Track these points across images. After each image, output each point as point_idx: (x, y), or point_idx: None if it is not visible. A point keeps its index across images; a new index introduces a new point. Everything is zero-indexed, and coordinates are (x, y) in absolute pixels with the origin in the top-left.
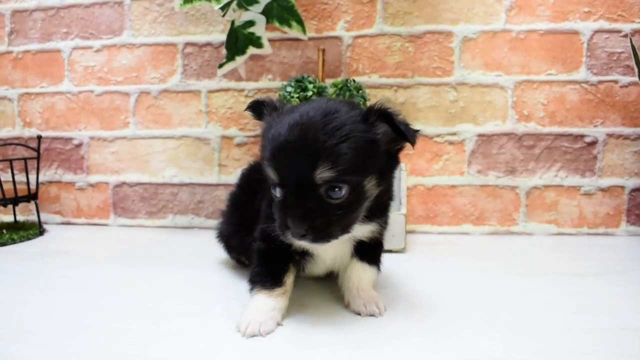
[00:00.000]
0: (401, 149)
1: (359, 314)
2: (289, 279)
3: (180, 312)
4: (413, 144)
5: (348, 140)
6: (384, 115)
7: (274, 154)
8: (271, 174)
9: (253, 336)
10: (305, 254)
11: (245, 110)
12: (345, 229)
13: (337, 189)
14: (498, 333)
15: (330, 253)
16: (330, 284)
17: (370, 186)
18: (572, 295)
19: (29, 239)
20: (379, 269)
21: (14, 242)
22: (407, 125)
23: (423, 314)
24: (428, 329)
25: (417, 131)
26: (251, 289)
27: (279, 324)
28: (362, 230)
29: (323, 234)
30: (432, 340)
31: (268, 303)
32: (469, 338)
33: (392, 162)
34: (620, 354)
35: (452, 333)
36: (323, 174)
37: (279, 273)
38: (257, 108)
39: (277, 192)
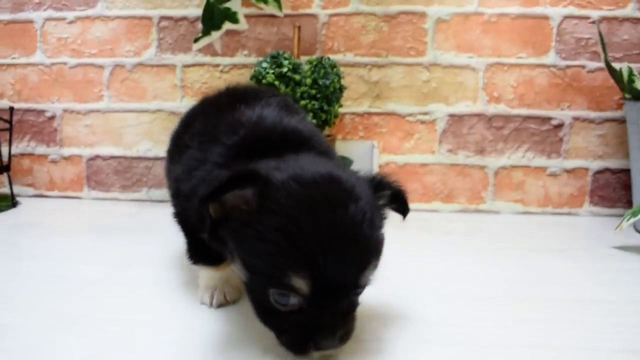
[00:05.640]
0: None
1: None
2: None
3: (153, 281)
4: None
5: (380, 228)
6: (399, 198)
7: (304, 257)
8: (299, 282)
9: (220, 306)
10: None
11: (222, 188)
12: None
13: (368, 282)
14: (463, 302)
15: None
16: None
17: None
18: (534, 269)
19: (1, 210)
20: None
21: None
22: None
23: (391, 283)
24: (395, 296)
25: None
26: (194, 263)
27: (240, 290)
28: None
29: (350, 335)
30: (397, 306)
31: (220, 275)
32: (435, 306)
33: None
34: (572, 321)
35: (417, 301)
36: (370, 274)
37: (215, 254)
38: (228, 188)
39: (289, 301)
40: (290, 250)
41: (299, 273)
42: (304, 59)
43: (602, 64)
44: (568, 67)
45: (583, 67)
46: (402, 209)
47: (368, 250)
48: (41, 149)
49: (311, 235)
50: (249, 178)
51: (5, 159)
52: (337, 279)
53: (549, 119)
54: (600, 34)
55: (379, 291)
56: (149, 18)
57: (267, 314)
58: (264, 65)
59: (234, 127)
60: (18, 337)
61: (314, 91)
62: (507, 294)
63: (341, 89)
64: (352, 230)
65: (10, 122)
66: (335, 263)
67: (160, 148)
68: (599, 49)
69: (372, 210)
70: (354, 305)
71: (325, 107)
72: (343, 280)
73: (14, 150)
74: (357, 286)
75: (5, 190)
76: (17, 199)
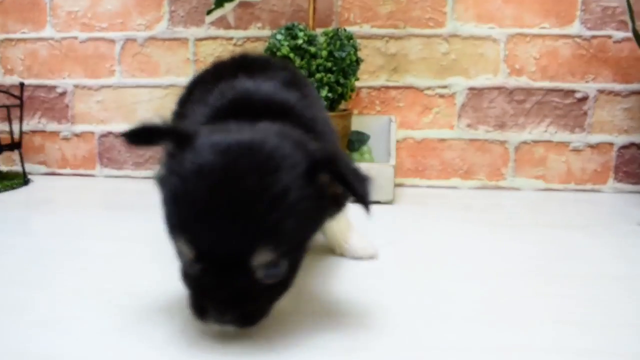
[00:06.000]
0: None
1: (360, 258)
2: None
3: (165, 256)
4: (368, 209)
5: (294, 210)
6: (338, 175)
7: (187, 222)
8: (183, 246)
9: None
10: None
11: (128, 136)
12: (276, 301)
13: (275, 267)
14: (483, 278)
15: None
16: None
17: (308, 245)
18: (555, 245)
19: (13, 188)
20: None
21: None
22: (361, 181)
23: (410, 261)
24: (413, 272)
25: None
26: None
27: None
28: None
29: (253, 319)
30: (419, 284)
31: None
32: (454, 281)
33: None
34: (595, 297)
35: (436, 276)
36: (262, 257)
37: None
38: (146, 136)
39: (189, 265)
40: (177, 214)
41: (181, 236)
42: (319, 30)
43: (629, 34)
44: (593, 37)
45: (609, 37)
46: (354, 195)
47: (259, 230)
48: (52, 126)
49: (195, 201)
50: (167, 133)
51: (16, 136)
52: (217, 251)
53: (573, 91)
54: (628, 2)
55: (398, 266)
56: None
57: (181, 274)
58: (279, 37)
59: (225, 92)
60: (31, 311)
61: (329, 64)
62: (527, 270)
63: (358, 61)
64: (242, 204)
65: (20, 98)
66: (215, 235)
67: None
68: (627, 17)
69: (285, 189)
70: (259, 288)
71: (342, 80)
72: (224, 254)
73: (24, 127)
74: (248, 267)
75: (17, 168)
76: (29, 176)
